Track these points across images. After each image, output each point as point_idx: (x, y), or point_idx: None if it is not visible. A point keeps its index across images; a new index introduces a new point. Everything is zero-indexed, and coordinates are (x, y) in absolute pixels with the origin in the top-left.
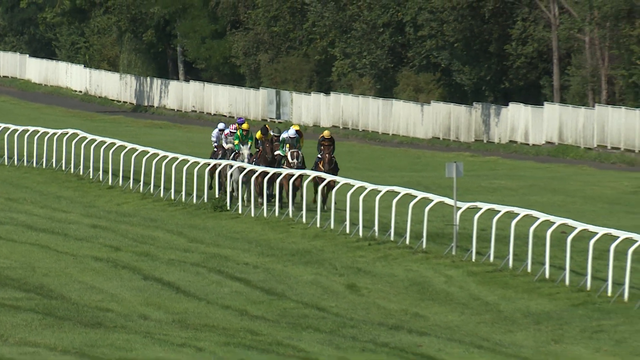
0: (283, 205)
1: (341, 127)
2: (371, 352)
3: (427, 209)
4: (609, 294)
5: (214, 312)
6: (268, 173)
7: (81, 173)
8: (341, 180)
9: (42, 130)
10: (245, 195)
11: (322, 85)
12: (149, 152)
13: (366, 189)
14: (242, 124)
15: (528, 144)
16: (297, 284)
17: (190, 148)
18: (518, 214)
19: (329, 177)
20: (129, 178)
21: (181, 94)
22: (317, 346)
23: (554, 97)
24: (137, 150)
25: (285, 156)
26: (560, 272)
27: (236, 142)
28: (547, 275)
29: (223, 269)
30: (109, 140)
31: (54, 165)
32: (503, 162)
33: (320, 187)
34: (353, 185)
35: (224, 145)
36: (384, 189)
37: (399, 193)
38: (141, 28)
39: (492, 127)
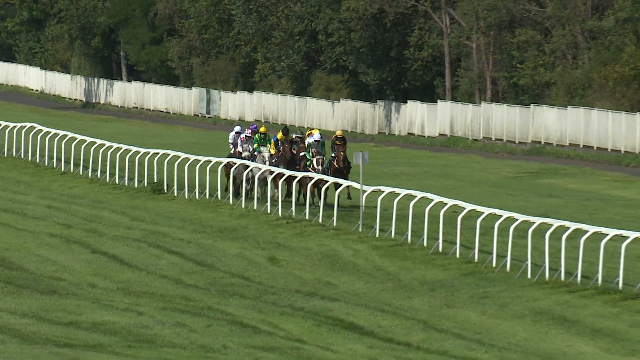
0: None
1: (263, 121)
2: (289, 315)
3: (337, 192)
4: (494, 265)
5: (153, 281)
6: (287, 175)
7: (38, 161)
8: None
9: (3, 123)
10: (269, 194)
11: (247, 85)
12: (96, 143)
13: (283, 175)
14: (255, 129)
15: (424, 136)
16: (224, 256)
17: (132, 139)
18: (415, 196)
19: (345, 183)
20: (79, 165)
21: (124, 93)
22: (242, 310)
23: (446, 95)
24: (86, 141)
25: (311, 161)
26: (452, 247)
27: (255, 145)
28: (440, 249)
29: (161, 243)
30: (61, 132)
31: (14, 154)
32: (402, 152)
33: (324, 188)
34: (273, 172)
35: (240, 149)
36: (299, 174)
37: (313, 178)
38: (89, 35)
39: (393, 121)
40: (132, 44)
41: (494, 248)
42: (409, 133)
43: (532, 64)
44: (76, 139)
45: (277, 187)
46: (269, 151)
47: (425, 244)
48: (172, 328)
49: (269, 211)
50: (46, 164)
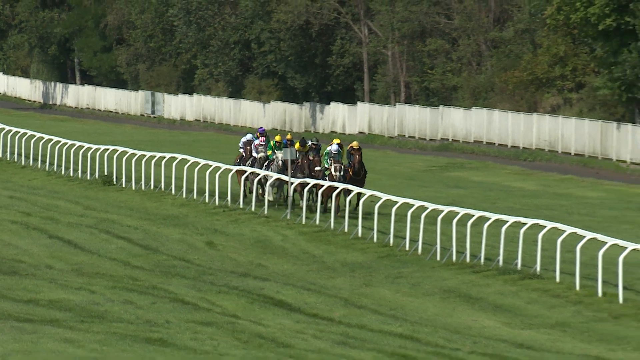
0: (326, 210)
1: (202, 121)
2: (225, 293)
3: (268, 183)
4: (407, 248)
5: (104, 263)
6: (305, 184)
7: (0, 156)
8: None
9: None
10: (278, 197)
11: (187, 88)
12: (53, 140)
13: (221, 168)
14: (263, 132)
15: (345, 134)
16: (167, 241)
17: (84, 137)
18: (337, 187)
19: (356, 189)
20: (38, 160)
21: (78, 95)
22: (183, 289)
23: (364, 97)
24: (44, 138)
25: (329, 169)
26: (370, 232)
27: (269, 152)
28: (359, 234)
29: (110, 230)
30: (22, 131)
31: None
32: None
33: (334, 194)
34: (211, 166)
35: (255, 155)
36: (234, 168)
37: (246, 172)
38: (47, 44)
39: (317, 120)
40: (85, 51)
41: (407, 233)
42: (332, 131)
43: (441, 70)
44: (35, 136)
45: (298, 192)
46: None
47: (346, 230)
48: (120, 305)
49: (207, 201)
50: (8, 159)
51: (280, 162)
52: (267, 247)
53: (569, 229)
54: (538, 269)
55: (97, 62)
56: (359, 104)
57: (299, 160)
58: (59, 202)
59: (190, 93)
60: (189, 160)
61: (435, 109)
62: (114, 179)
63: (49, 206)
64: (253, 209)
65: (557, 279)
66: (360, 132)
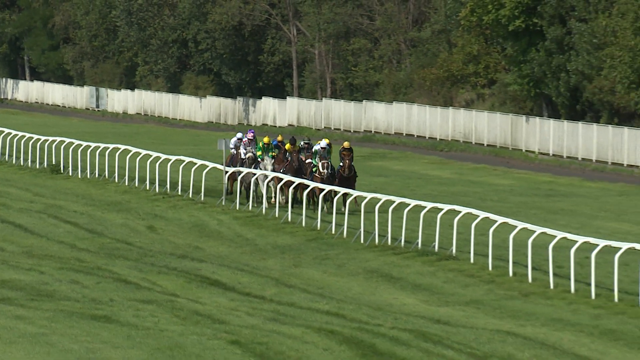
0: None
1: (143, 114)
2: (165, 274)
3: (204, 172)
4: (333, 232)
5: (52, 246)
6: (293, 182)
7: None
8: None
9: None
10: (269, 196)
11: (129, 84)
12: (4, 132)
13: (160, 158)
14: (252, 133)
15: (275, 126)
16: (111, 225)
17: (34, 128)
18: (269, 176)
19: (343, 190)
20: None
21: (28, 90)
22: (126, 270)
23: (294, 92)
24: None
25: (317, 166)
26: (299, 217)
27: (259, 152)
28: (289, 219)
29: (58, 215)
30: None
31: None
32: (258, 139)
33: (336, 198)
34: (151, 156)
35: (242, 153)
36: (172, 158)
37: (184, 161)
38: None
39: (250, 114)
40: (34, 50)
41: (333, 218)
42: (263, 124)
43: (364, 67)
44: None
45: (284, 194)
46: (271, 157)
47: (277, 215)
48: (67, 284)
49: (147, 188)
50: None
51: (269, 167)
52: (203, 231)
53: (482, 214)
54: (454, 251)
55: (45, 60)
56: (289, 99)
57: (288, 159)
58: (10, 189)
59: (132, 88)
60: (130, 151)
61: (359, 103)
62: (62, 168)
63: (0, 193)
64: (190, 195)
65: (472, 260)
66: (289, 125)
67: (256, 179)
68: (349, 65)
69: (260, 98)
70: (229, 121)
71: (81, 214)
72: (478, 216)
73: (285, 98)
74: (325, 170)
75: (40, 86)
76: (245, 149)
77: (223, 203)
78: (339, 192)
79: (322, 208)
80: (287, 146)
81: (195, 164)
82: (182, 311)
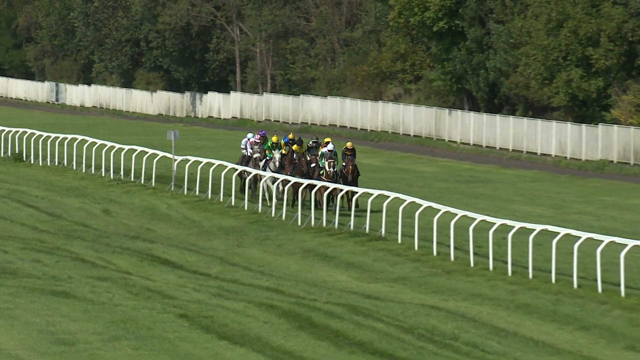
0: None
1: (99, 107)
2: (119, 253)
3: (155, 160)
4: (273, 215)
5: (15, 228)
6: (302, 183)
7: None
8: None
9: None
10: (276, 196)
11: (86, 80)
12: None
13: (115, 147)
14: (264, 135)
15: (220, 118)
16: (70, 209)
17: None
18: (214, 163)
19: (346, 188)
20: None
21: None
22: (83, 250)
23: (237, 87)
24: None
25: (324, 166)
26: (242, 202)
27: (268, 151)
28: (233, 203)
29: (21, 199)
30: None
31: None
32: (204, 130)
33: (339, 195)
34: (106, 145)
35: (248, 152)
36: (126, 147)
37: (137, 150)
38: None
39: (197, 107)
40: None
41: (273, 202)
42: (209, 116)
43: (301, 65)
44: None
45: (295, 193)
46: (280, 152)
47: (221, 199)
48: (30, 263)
49: (103, 175)
50: None
51: (277, 162)
52: (154, 214)
53: (409, 199)
54: (383, 232)
55: (9, 58)
56: (232, 93)
57: (297, 160)
58: None
59: (89, 84)
60: (87, 141)
61: (297, 97)
62: (24, 157)
63: None
64: (142, 181)
65: (399, 241)
66: (233, 117)
67: (264, 181)
68: (288, 62)
69: (206, 92)
70: (177, 114)
71: (42, 199)
72: (405, 200)
73: (229, 92)
74: (332, 169)
75: (4, 82)
76: (252, 149)
77: (172, 189)
78: (343, 189)
79: (335, 205)
80: (295, 147)
81: (147, 152)
82: (135, 287)
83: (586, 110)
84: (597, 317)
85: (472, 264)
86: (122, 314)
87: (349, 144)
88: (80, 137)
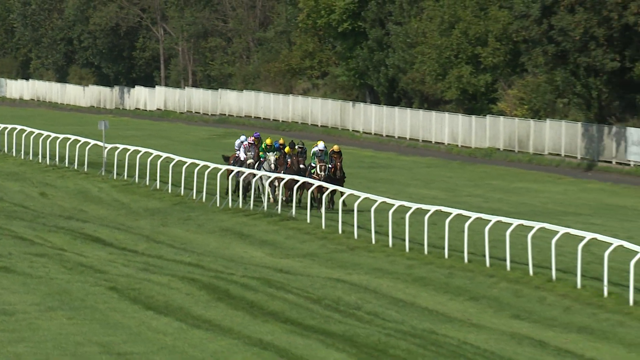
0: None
1: (36, 100)
2: (54, 232)
3: (87, 148)
4: (194, 197)
5: None
6: (296, 181)
7: None
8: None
9: None
10: (270, 194)
11: (25, 75)
12: None
13: (50, 136)
14: (258, 137)
15: (146, 110)
16: (9, 192)
17: None
18: (141, 151)
19: (331, 187)
20: None
21: None
22: (22, 229)
23: (161, 82)
24: None
25: (315, 167)
26: (166, 185)
27: (261, 153)
28: (157, 187)
29: None
30: None
31: None
32: (132, 121)
33: (324, 195)
34: (43, 134)
35: (243, 155)
36: (61, 136)
37: (70, 139)
38: None
39: (125, 100)
40: None
41: (194, 185)
42: (136, 108)
43: (219, 62)
44: None
45: (283, 193)
46: (275, 155)
47: (147, 183)
48: None
49: (40, 161)
50: None
51: (272, 164)
52: (86, 197)
53: (317, 183)
54: (293, 213)
55: None
56: (157, 87)
57: (288, 161)
58: None
59: (27, 78)
60: (26, 130)
61: (215, 91)
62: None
63: None
64: (76, 167)
65: (308, 221)
66: (158, 109)
67: (258, 179)
68: (207, 60)
69: (134, 87)
70: (107, 106)
71: None
72: (312, 184)
73: (154, 87)
74: (323, 173)
75: None
76: (246, 154)
77: (103, 174)
78: (329, 189)
79: (321, 205)
80: (287, 149)
81: (80, 141)
82: (69, 263)
83: (475, 103)
84: (485, 288)
85: (373, 242)
86: (57, 287)
87: (335, 147)
88: (19, 127)
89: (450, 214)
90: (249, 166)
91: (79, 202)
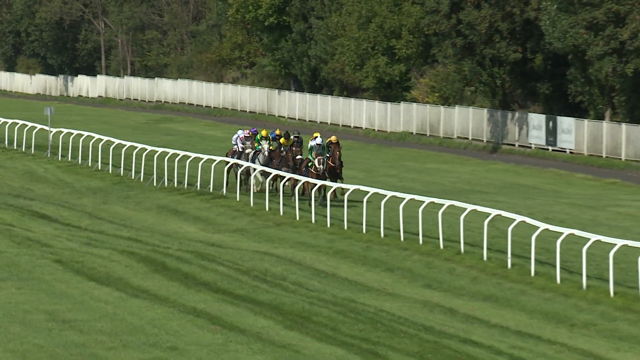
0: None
1: None
2: (4, 209)
3: (34, 132)
4: (133, 177)
5: None
6: (288, 178)
7: None
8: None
9: None
10: (267, 186)
11: None
12: None
13: (8, 123)
14: (255, 131)
15: (88, 97)
16: None
17: None
18: (84, 134)
19: (329, 183)
20: None
21: None
22: None
23: (102, 71)
24: None
25: (313, 162)
26: (107, 166)
27: (256, 144)
28: (99, 167)
29: None
30: None
31: None
32: (75, 107)
33: (329, 192)
34: (8, 122)
35: (239, 147)
36: (10, 121)
37: (18, 123)
38: None
39: (69, 88)
40: None
41: (133, 166)
42: (79, 95)
43: (155, 53)
44: None
45: (276, 188)
46: (269, 144)
47: (90, 165)
48: None
49: None
50: None
51: (266, 153)
52: (33, 177)
53: (246, 164)
54: (224, 191)
55: None
56: (99, 76)
57: (285, 152)
58: None
59: None
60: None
61: (152, 79)
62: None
63: None
64: (24, 149)
65: (237, 199)
66: (99, 96)
67: (244, 171)
68: (144, 51)
69: (77, 76)
70: (52, 93)
71: None
72: (242, 165)
73: (96, 76)
74: (321, 166)
75: None
76: (244, 144)
77: (48, 155)
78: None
79: (316, 199)
80: (282, 140)
81: (27, 125)
82: (17, 237)
83: (390, 91)
84: (400, 261)
85: (297, 218)
86: (7, 260)
87: (333, 138)
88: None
89: (368, 192)
90: (248, 155)
91: (27, 182)
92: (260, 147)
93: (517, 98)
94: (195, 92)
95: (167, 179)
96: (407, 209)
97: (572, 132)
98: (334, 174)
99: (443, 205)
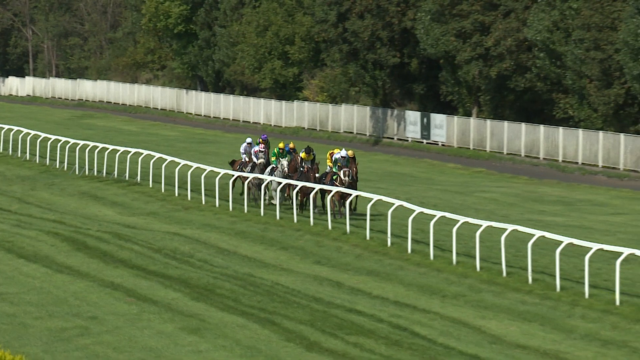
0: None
1: None
2: None
3: (273, 189)
4: (57, 167)
5: None
6: (308, 189)
7: None
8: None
9: None
10: (280, 201)
11: None
12: None
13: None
14: (266, 139)
15: (18, 96)
16: None
17: None
18: (14, 129)
19: (347, 191)
20: None
21: None
22: None
23: (30, 73)
24: None
25: (338, 174)
26: (34, 157)
27: (273, 158)
28: (27, 158)
29: None
30: None
31: None
32: (6, 105)
33: (348, 201)
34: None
35: (255, 160)
36: (236, 174)
37: (246, 177)
38: None
39: (0, 88)
40: None
41: (57, 157)
42: (9, 94)
43: (77, 57)
44: None
45: (290, 197)
46: (287, 161)
47: (19, 155)
48: None
49: None
50: None
51: (286, 169)
52: None
53: (157, 155)
54: (138, 179)
55: None
56: (27, 77)
57: (305, 168)
58: None
59: None
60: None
61: (75, 80)
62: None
63: None
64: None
65: (150, 185)
66: (27, 95)
67: (268, 183)
68: (68, 55)
69: (7, 77)
70: None
71: None
72: (154, 156)
73: (25, 77)
74: (347, 178)
75: None
76: (257, 156)
77: (10, 153)
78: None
79: (339, 211)
80: (303, 155)
81: (247, 178)
82: None
83: (285, 90)
84: (293, 240)
85: (203, 202)
86: None
87: (350, 152)
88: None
89: (265, 179)
90: (260, 165)
91: None
92: (277, 162)
93: (395, 97)
94: (112, 92)
95: (88, 168)
96: (298, 194)
97: (443, 127)
98: (350, 187)
99: (331, 191)
